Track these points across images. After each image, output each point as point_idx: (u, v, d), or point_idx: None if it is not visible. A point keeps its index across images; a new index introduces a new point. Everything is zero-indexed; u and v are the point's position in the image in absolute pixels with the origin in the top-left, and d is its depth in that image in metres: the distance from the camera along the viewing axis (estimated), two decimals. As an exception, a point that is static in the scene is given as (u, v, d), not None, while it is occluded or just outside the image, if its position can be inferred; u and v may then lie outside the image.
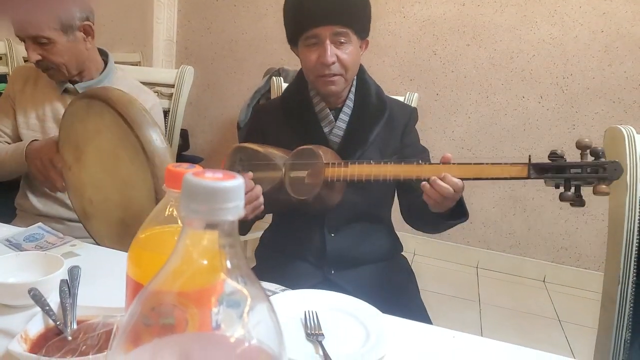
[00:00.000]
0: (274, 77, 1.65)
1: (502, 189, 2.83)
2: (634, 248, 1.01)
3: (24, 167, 1.20)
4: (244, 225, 1.21)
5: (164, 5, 3.11)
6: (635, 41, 2.50)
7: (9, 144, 1.36)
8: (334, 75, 1.14)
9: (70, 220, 1.33)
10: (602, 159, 0.95)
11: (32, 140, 1.21)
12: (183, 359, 0.29)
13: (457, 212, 1.09)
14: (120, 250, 0.91)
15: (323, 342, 0.70)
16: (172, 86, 1.68)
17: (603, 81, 2.58)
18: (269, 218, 1.42)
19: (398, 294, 1.22)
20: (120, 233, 0.91)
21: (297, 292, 0.83)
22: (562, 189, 1.00)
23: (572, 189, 0.98)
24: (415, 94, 1.59)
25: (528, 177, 0.98)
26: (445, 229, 1.18)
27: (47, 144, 1.13)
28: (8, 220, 1.35)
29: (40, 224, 0.98)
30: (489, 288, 2.72)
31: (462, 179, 1.00)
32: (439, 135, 2.87)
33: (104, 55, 1.38)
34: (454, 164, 1.02)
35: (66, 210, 1.33)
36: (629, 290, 1.00)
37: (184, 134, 3.07)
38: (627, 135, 1.06)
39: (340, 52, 1.13)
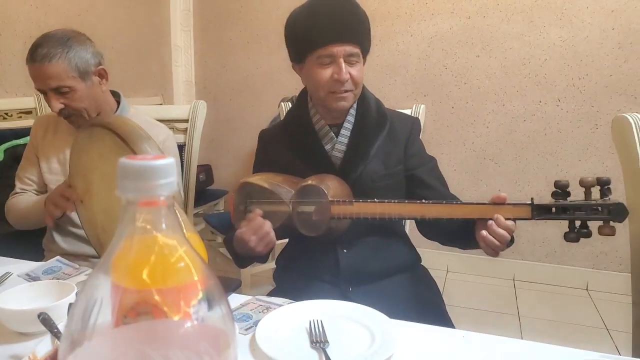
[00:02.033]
0: (282, 103, 1.70)
1: (528, 196, 2.75)
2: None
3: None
4: (260, 257, 1.22)
5: (180, 49, 3.26)
6: (649, 34, 2.45)
7: (37, 191, 1.43)
8: (346, 91, 1.17)
9: (93, 256, 1.38)
10: (608, 197, 0.93)
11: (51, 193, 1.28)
12: (135, 346, 0.30)
13: None
14: None
15: (327, 350, 0.70)
16: (187, 121, 1.74)
17: (621, 78, 2.51)
18: (281, 243, 1.43)
19: (420, 305, 1.19)
20: None
21: (302, 303, 0.83)
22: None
23: (578, 223, 0.97)
24: (422, 106, 1.59)
25: (531, 218, 0.97)
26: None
27: (59, 185, 1.19)
28: (37, 261, 1.42)
29: (58, 257, 1.02)
30: (529, 300, 2.61)
31: (466, 219, 1.01)
32: (459, 148, 2.84)
33: (116, 95, 1.45)
34: (457, 203, 1.02)
35: (89, 248, 1.38)
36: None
37: (207, 169, 3.15)
38: (634, 123, 1.04)
39: (352, 70, 1.16)
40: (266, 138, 1.37)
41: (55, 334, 0.66)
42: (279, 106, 2.71)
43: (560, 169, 2.68)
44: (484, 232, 0.98)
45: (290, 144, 1.27)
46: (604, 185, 0.93)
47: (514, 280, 2.83)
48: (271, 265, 2.59)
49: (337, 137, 1.23)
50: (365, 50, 1.19)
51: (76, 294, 0.74)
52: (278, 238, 1.14)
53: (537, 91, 2.67)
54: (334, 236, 1.16)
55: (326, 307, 0.81)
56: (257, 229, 1.07)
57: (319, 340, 0.72)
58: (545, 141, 2.69)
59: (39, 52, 1.21)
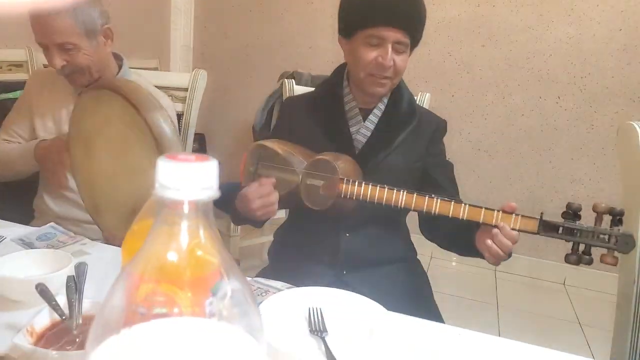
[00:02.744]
0: (285, 80, 1.67)
1: (519, 190, 2.78)
2: (650, 246, 0.98)
3: (33, 166, 1.24)
4: (256, 222, 1.22)
5: (180, 12, 3.17)
6: (656, 39, 2.45)
7: None
8: (385, 77, 1.16)
9: (85, 222, 1.36)
10: (618, 227, 0.93)
11: (41, 140, 1.24)
12: (162, 343, 0.29)
13: None
14: None
15: (326, 339, 0.70)
16: (186, 90, 1.71)
17: (622, 80, 2.52)
18: (282, 217, 1.43)
19: (411, 296, 1.21)
20: (130, 222, 0.93)
21: (302, 290, 0.83)
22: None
23: (582, 247, 0.97)
24: (427, 94, 1.58)
25: (537, 233, 0.98)
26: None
27: (55, 143, 1.16)
28: (26, 222, 1.39)
29: (52, 223, 1.01)
30: (508, 291, 2.67)
31: (469, 226, 1.01)
32: (455, 137, 2.84)
33: (118, 59, 1.41)
34: (465, 204, 1.02)
35: (81, 212, 1.35)
36: (646, 290, 0.98)
37: (200, 138, 3.11)
38: (642, 132, 1.04)
39: (397, 58, 1.14)
40: (292, 105, 1.36)
41: (54, 306, 0.65)
42: (279, 80, 2.67)
43: (552, 165, 2.70)
44: (489, 242, 0.98)
45: (316, 116, 1.26)
46: (617, 215, 0.93)
47: (495, 270, 2.88)
48: (260, 239, 2.60)
49: (364, 121, 1.23)
50: (415, 43, 1.18)
51: (75, 266, 0.73)
52: (280, 207, 1.14)
53: (538, 86, 2.66)
54: (337, 215, 1.17)
55: (325, 294, 0.82)
56: (265, 195, 1.07)
57: (318, 329, 0.72)
58: (540, 137, 2.70)
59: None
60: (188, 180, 0.27)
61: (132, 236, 0.45)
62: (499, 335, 2.27)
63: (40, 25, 1.18)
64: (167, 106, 1.42)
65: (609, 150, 2.58)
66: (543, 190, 2.75)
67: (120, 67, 1.40)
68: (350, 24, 1.18)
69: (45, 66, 2.24)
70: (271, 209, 1.09)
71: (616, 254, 0.93)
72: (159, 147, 0.83)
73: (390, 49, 1.12)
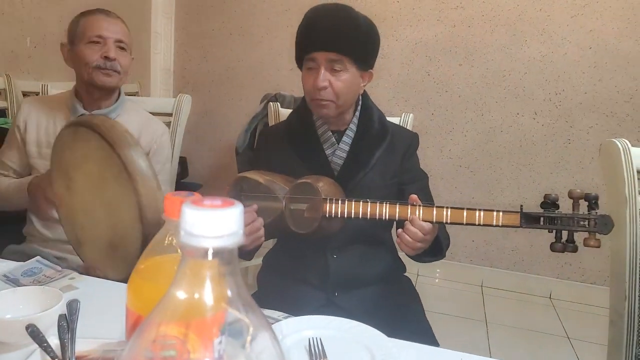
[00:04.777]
0: (271, 103, 1.67)
1: (501, 206, 2.81)
2: (638, 261, 1.00)
3: (27, 201, 1.25)
4: (245, 254, 1.20)
5: (160, 36, 3.16)
6: (623, 56, 2.54)
7: (15, 176, 1.39)
8: (325, 100, 1.17)
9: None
10: (595, 210, 0.96)
11: (34, 177, 1.24)
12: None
13: (432, 250, 1.12)
14: (112, 276, 0.91)
15: (328, 369, 0.69)
16: (170, 114, 1.69)
17: (595, 96, 2.60)
18: (270, 242, 1.41)
19: (403, 315, 1.21)
20: (110, 256, 0.92)
21: (300, 319, 0.81)
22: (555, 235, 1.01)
23: (565, 236, 0.99)
24: (411, 115, 1.60)
25: (520, 226, 1.00)
26: (424, 262, 1.20)
27: (43, 178, 1.16)
28: (19, 243, 1.36)
29: (38, 257, 0.98)
30: (495, 306, 2.68)
31: (454, 224, 1.03)
32: (436, 154, 2.88)
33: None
34: (447, 207, 1.04)
35: None
36: (637, 305, 0.99)
37: (182, 161, 3.07)
38: (622, 149, 1.07)
39: (334, 79, 1.15)
40: (268, 136, 1.37)
41: (45, 348, 0.62)
42: (262, 102, 2.68)
43: (532, 180, 2.76)
44: (400, 230, 1.04)
45: (292, 144, 1.27)
46: (592, 200, 0.96)
47: (482, 286, 2.89)
48: (243, 264, 2.56)
49: (338, 143, 1.23)
50: (359, 62, 1.18)
51: (67, 304, 0.70)
52: (267, 237, 1.13)
53: (515, 103, 2.73)
54: (324, 236, 1.16)
55: (325, 323, 0.80)
56: (249, 222, 1.06)
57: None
58: (519, 152, 2.76)
59: (112, 13, 1.37)
60: (213, 227, 0.26)
61: (138, 274, 0.44)
62: (490, 353, 2.26)
63: (108, 23, 1.33)
64: (164, 132, 1.45)
65: (586, 164, 2.65)
66: (525, 205, 2.78)
67: (118, 94, 1.44)
68: (296, 54, 1.23)
69: (25, 95, 2.21)
70: (258, 235, 1.08)
71: (598, 236, 0.95)
72: (133, 184, 0.83)
73: (322, 70, 1.15)
